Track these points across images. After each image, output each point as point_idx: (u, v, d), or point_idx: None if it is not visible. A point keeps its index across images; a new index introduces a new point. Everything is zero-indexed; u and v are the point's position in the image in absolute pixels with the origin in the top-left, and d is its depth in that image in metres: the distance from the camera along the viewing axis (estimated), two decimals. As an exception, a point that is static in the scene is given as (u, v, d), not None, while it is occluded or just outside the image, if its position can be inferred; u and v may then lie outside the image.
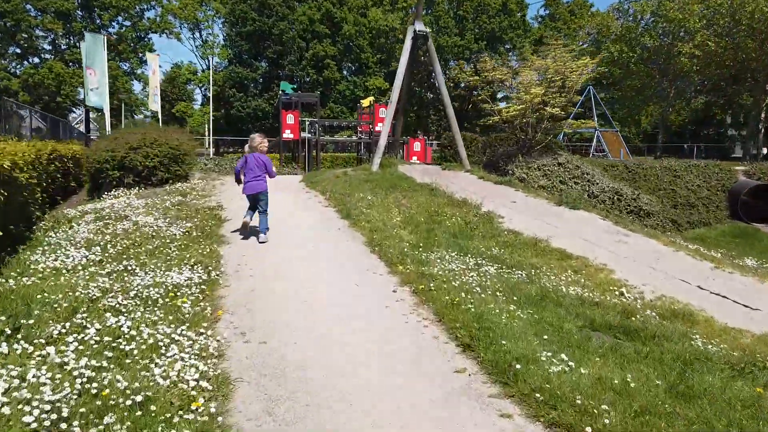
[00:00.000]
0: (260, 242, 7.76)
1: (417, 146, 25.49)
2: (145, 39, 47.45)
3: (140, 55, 48.89)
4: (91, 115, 57.02)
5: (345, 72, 50.14)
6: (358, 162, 28.09)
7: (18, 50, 42.24)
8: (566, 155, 18.51)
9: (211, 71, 36.55)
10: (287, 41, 46.01)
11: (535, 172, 16.44)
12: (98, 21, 44.16)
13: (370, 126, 25.56)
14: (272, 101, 44.37)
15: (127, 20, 45.98)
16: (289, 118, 23.99)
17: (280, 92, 24.14)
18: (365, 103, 28.70)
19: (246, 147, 8.03)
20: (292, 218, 9.76)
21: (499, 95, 50.92)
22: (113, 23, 46.39)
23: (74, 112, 47.67)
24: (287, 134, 24.10)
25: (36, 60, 42.83)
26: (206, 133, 34.83)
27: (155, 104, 30.18)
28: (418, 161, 25.80)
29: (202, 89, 53.82)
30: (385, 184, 12.69)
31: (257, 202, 7.82)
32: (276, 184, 9.71)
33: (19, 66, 42.23)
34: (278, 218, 9.11)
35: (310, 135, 25.23)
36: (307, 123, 25.00)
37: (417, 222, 9.34)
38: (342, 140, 27.48)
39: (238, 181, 7.76)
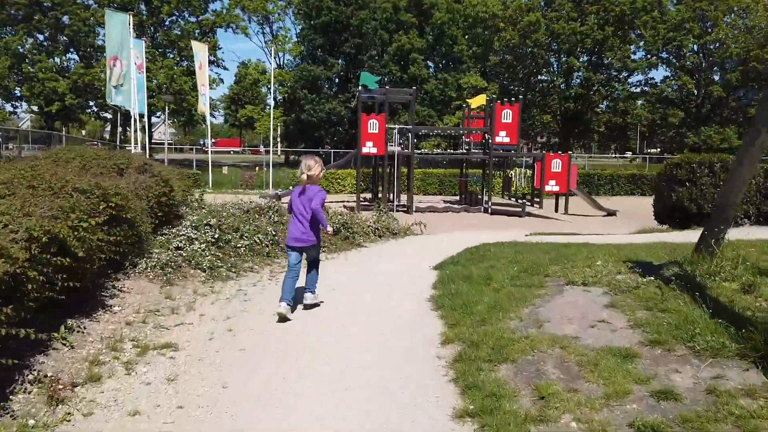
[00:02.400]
0: (306, 303, 5.07)
1: (556, 164, 17.46)
2: (210, 35, 42.04)
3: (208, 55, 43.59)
4: (154, 119, 52.33)
5: (433, 68, 42.52)
6: (461, 190, 20.33)
7: (72, 50, 37.95)
8: None
9: (270, 72, 29.98)
10: (367, 33, 39.11)
11: None
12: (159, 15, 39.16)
13: (486, 136, 17.79)
14: (348, 104, 37.61)
15: (189, 14, 40.71)
16: (372, 125, 16.68)
17: (360, 88, 16.89)
18: (474, 102, 20.94)
19: (298, 173, 5.08)
20: None
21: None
22: (176, 17, 41.31)
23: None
24: (368, 148, 16.79)
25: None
26: (271, 141, 28.30)
27: (204, 106, 23.85)
28: (558, 190, 17.74)
29: (272, 90, 47.98)
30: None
31: (308, 255, 5.06)
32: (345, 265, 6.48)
33: (67, 64, 37.88)
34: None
35: (400, 148, 17.82)
36: (395, 131, 17.63)
37: None
38: (446, 154, 19.82)
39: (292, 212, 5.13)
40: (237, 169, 36.69)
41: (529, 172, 19.60)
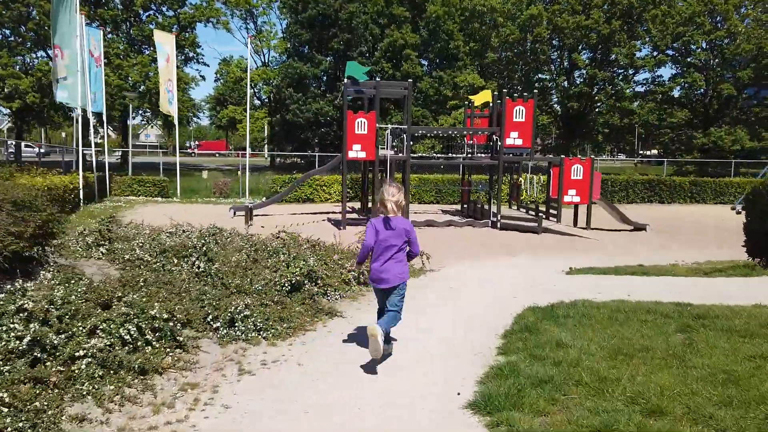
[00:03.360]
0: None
1: (577, 171, 14.90)
2: (189, 30, 39.23)
3: (186, 51, 40.87)
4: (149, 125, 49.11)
5: (428, 66, 39.96)
6: (464, 199, 17.73)
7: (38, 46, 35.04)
8: None
9: (249, 68, 27.33)
10: (357, 28, 36.58)
11: None
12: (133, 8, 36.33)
13: (494, 137, 15.20)
14: (338, 103, 35.02)
15: (167, 7, 37.91)
16: (360, 125, 14.04)
17: (345, 80, 14.23)
18: (478, 99, 18.37)
19: (378, 204, 4.48)
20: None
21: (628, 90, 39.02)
22: (153, 10, 38.51)
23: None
24: (356, 151, 14.15)
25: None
26: (247, 143, 25.57)
27: (170, 105, 21.10)
28: (580, 201, 15.16)
29: (256, 90, 45.25)
30: None
31: (390, 300, 4.45)
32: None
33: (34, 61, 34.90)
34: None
35: (393, 151, 15.18)
36: (388, 132, 14.99)
37: None
38: (448, 158, 17.13)
39: (361, 264, 4.74)
40: (219, 173, 33.97)
41: (542, 178, 17.09)
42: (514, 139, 14.73)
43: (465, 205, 17.81)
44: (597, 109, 40.46)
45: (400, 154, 14.81)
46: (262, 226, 14.02)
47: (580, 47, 37.17)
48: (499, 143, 14.74)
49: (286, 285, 5.24)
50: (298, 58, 38.56)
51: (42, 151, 31.43)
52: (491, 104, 17.88)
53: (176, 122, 21.70)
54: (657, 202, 23.72)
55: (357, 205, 19.17)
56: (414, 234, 4.48)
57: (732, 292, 6.47)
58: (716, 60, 37.49)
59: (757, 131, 38.68)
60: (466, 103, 19.13)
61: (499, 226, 14.87)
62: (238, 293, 4.68)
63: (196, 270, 4.96)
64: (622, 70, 37.51)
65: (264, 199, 17.86)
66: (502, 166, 15.10)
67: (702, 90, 38.45)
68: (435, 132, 17.43)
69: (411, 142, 14.74)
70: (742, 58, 37.19)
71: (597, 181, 15.16)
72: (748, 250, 7.46)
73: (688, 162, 36.64)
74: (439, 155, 17.56)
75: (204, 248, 5.31)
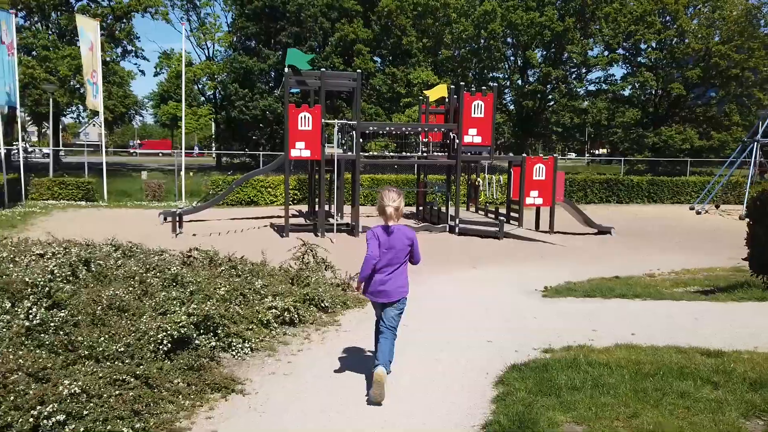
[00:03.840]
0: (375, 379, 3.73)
1: (539, 171, 13.92)
2: (124, 21, 36.57)
3: (123, 43, 38.23)
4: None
5: (381, 62, 38.65)
6: (419, 202, 16.50)
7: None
8: None
9: (188, 63, 25.41)
10: (306, 21, 34.99)
11: None
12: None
13: (451, 135, 13.99)
14: (281, 93, 33.31)
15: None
16: (304, 120, 12.58)
17: (286, 69, 12.69)
18: (434, 94, 17.20)
19: (378, 211, 4.11)
20: None
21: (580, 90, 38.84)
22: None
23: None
24: (299, 150, 12.69)
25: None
26: (182, 142, 23.61)
27: (94, 99, 19.03)
28: (542, 203, 14.13)
29: (200, 86, 42.94)
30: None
31: (386, 314, 4.06)
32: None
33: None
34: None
35: (342, 150, 13.78)
36: (336, 129, 13.56)
37: None
38: (402, 158, 15.81)
39: (367, 279, 4.02)
40: (161, 173, 31.66)
41: (501, 179, 16.02)
42: (472, 136, 13.57)
43: (420, 208, 16.59)
44: (550, 108, 40.11)
45: (350, 153, 13.42)
46: (194, 234, 12.38)
47: (534, 45, 36.65)
48: (457, 141, 13.57)
49: (166, 341, 3.68)
50: (244, 52, 36.62)
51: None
52: (447, 99, 16.78)
53: (101, 117, 19.62)
54: (615, 202, 23.18)
55: (305, 208, 17.67)
56: (416, 241, 4.13)
57: (760, 328, 5.28)
58: (665, 60, 37.70)
59: (705, 130, 39.18)
60: (421, 98, 17.95)
61: (457, 231, 13.69)
62: (87, 359, 3.17)
63: (29, 323, 3.34)
64: (575, 69, 37.20)
65: (195, 203, 16.13)
66: (460, 165, 13.93)
67: (652, 90, 38.59)
68: (387, 129, 16.08)
69: (362, 140, 13.39)
70: (690, 58, 37.56)
71: (560, 182, 14.20)
72: (753, 266, 6.37)
73: (640, 161, 36.68)
74: (392, 154, 16.25)
75: (49, 287, 3.66)
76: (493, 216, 15.07)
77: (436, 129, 14.70)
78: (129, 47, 38.84)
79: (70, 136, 74.89)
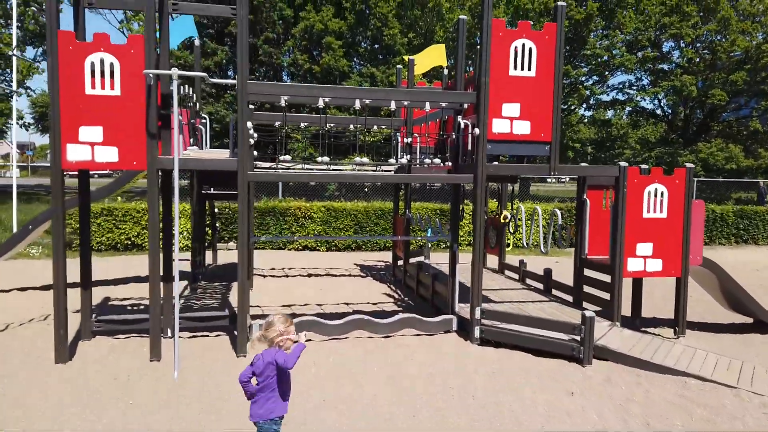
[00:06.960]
0: None
1: (655, 199, 6.13)
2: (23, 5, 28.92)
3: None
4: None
5: (357, 60, 31.29)
6: (400, 250, 8.81)
7: None
8: None
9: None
10: (261, 8, 27.80)
11: None
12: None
13: (461, 125, 6.48)
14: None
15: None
16: (102, 71, 4.87)
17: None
18: (425, 61, 9.77)
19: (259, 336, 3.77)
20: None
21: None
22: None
23: None
24: (85, 147, 4.95)
25: None
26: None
27: None
28: (661, 270, 6.52)
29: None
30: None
31: None
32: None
33: None
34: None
35: (231, 153, 6.13)
36: (175, 88, 6.00)
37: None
38: (354, 172, 7.88)
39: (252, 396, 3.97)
40: None
41: (557, 212, 8.69)
42: (510, 120, 6.07)
43: (398, 266, 9.03)
44: (571, 115, 32.74)
45: (230, 156, 5.82)
46: None
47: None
48: (477, 130, 6.06)
49: None
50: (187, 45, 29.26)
51: None
52: (447, 72, 9.43)
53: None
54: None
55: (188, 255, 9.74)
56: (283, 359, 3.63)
57: None
58: (707, 60, 30.86)
59: (750, 147, 32.27)
60: (400, 67, 10.57)
61: (478, 334, 6.08)
62: None
63: None
64: (597, 69, 29.80)
65: None
66: (483, 182, 6.36)
67: (687, 98, 31.42)
68: (320, 97, 7.01)
69: (252, 128, 5.83)
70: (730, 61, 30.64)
71: (698, 223, 6.64)
72: None
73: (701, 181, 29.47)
74: (323, 163, 7.30)
75: None
76: (545, 285, 7.49)
77: (428, 103, 6.84)
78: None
79: None
